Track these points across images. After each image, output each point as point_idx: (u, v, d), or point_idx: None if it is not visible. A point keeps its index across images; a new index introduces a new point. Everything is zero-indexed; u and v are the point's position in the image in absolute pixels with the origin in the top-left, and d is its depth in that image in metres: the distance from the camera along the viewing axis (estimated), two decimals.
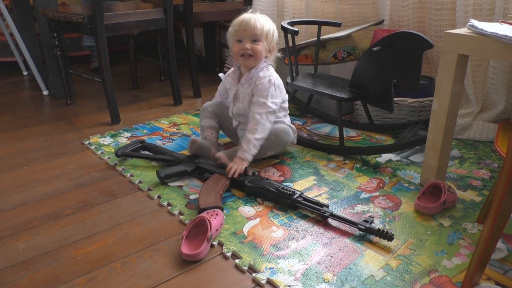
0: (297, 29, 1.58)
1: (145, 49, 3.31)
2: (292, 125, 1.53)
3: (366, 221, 1.09)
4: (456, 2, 1.60)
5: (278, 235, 1.10)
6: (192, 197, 1.28)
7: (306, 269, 0.97)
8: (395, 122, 1.79)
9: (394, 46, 1.37)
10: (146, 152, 1.55)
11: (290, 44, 1.66)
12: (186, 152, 1.54)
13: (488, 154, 1.56)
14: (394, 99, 1.60)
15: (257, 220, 1.16)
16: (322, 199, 1.26)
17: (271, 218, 1.18)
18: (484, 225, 0.83)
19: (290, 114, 1.59)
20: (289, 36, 1.64)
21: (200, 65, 2.71)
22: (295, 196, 1.19)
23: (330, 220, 1.16)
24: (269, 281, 0.94)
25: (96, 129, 1.84)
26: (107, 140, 1.70)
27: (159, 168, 1.44)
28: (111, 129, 1.83)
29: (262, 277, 0.94)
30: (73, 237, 1.10)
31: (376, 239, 1.08)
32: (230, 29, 1.44)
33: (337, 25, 1.74)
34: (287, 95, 1.51)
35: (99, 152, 1.60)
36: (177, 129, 1.83)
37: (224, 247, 1.05)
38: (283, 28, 1.60)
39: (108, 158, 1.54)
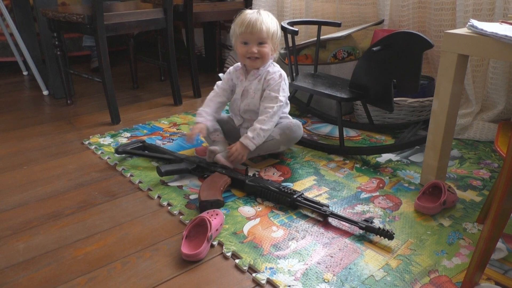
0: (296, 29, 1.58)
1: (145, 49, 3.31)
2: None
3: (366, 220, 1.09)
4: (456, 2, 1.60)
5: (278, 235, 1.10)
6: (192, 197, 1.28)
7: (306, 269, 0.97)
8: (395, 122, 1.79)
9: (394, 46, 1.37)
10: (147, 152, 1.55)
11: (290, 44, 1.67)
12: (186, 152, 1.55)
13: (488, 154, 1.56)
14: (394, 99, 1.60)
15: (257, 220, 1.17)
16: (322, 199, 1.26)
17: (271, 218, 1.18)
18: (484, 225, 0.83)
19: (290, 114, 1.59)
20: (289, 36, 1.64)
21: (200, 65, 2.71)
22: (295, 195, 1.20)
23: (330, 220, 1.16)
24: (269, 281, 0.94)
25: (96, 129, 1.84)
26: (107, 140, 1.70)
27: None
28: (111, 129, 1.83)
29: (262, 277, 0.94)
30: (73, 237, 1.10)
31: (376, 238, 1.08)
32: (233, 27, 1.43)
33: (337, 25, 1.75)
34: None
35: (99, 152, 1.60)
36: (177, 129, 1.83)
37: (224, 247, 1.05)
38: (282, 28, 1.60)
39: (108, 158, 1.54)
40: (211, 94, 1.55)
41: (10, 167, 1.51)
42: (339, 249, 1.04)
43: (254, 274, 0.96)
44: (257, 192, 1.27)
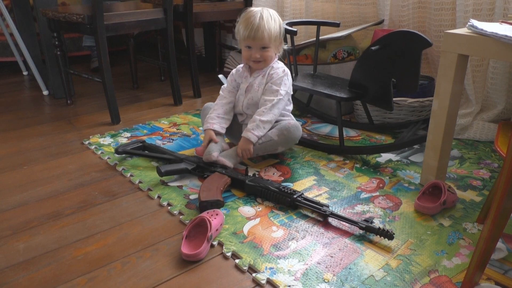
0: (296, 30, 1.58)
1: (145, 49, 3.31)
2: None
3: (366, 220, 1.09)
4: (456, 2, 1.60)
5: (278, 235, 1.10)
6: (192, 197, 1.28)
7: (306, 269, 0.97)
8: (395, 122, 1.79)
9: (393, 45, 1.37)
10: (147, 152, 1.55)
11: (290, 44, 1.67)
12: (186, 152, 1.55)
13: (488, 154, 1.56)
14: (394, 99, 1.60)
15: (257, 220, 1.17)
16: (322, 199, 1.26)
17: (271, 218, 1.18)
18: (484, 225, 0.83)
19: None
20: (288, 36, 1.64)
21: (200, 65, 2.71)
22: (295, 195, 1.20)
23: (330, 220, 1.16)
24: (269, 281, 0.94)
25: (96, 129, 1.84)
26: (107, 140, 1.70)
27: None
28: (111, 129, 1.83)
29: (262, 277, 0.94)
30: (73, 237, 1.10)
31: (376, 238, 1.08)
32: (238, 26, 1.43)
33: (336, 25, 1.75)
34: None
35: (99, 152, 1.60)
36: (177, 129, 1.83)
37: (224, 247, 1.05)
38: None
39: (108, 158, 1.54)
40: (217, 99, 1.56)
41: (10, 167, 1.51)
42: (339, 249, 1.04)
43: (254, 274, 0.96)
44: (257, 192, 1.27)
